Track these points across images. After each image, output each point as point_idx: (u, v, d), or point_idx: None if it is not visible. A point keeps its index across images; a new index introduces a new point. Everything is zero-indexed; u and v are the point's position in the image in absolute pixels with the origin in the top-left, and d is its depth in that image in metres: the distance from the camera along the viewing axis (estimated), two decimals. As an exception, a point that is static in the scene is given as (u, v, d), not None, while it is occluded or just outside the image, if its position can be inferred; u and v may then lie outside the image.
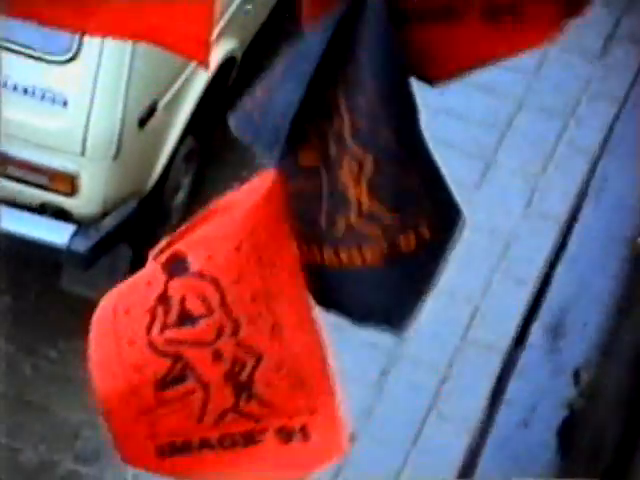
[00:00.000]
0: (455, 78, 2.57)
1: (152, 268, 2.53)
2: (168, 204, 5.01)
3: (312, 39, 2.32)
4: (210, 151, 5.70)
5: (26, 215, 4.61)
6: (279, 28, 5.83)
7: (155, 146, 4.81)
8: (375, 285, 2.53)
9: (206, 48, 2.66)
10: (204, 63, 2.71)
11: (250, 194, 2.49)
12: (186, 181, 5.21)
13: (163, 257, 2.55)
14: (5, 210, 4.60)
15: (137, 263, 4.41)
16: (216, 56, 4.78)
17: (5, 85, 4.44)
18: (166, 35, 2.71)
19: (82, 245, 4.60)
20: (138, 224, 4.78)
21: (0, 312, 5.42)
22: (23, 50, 4.42)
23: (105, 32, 2.89)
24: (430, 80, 2.45)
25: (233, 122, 2.40)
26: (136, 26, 2.71)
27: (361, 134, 2.23)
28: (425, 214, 2.31)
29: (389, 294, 2.56)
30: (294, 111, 2.27)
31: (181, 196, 5.18)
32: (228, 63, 5.19)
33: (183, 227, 2.58)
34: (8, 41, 4.33)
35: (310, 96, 2.23)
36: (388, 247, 2.33)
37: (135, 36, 2.92)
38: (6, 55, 4.39)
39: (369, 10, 2.28)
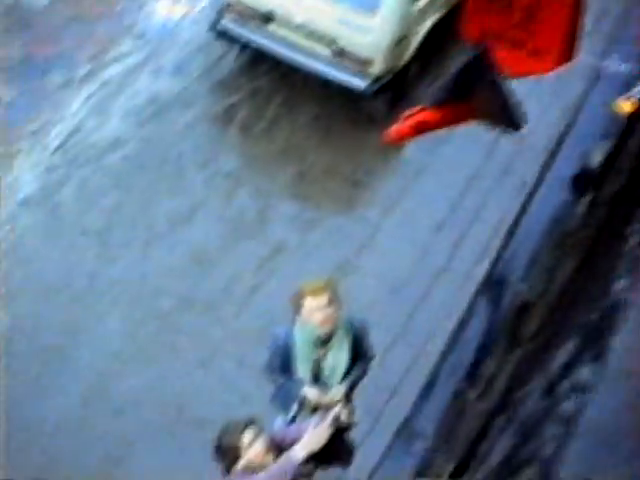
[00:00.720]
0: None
1: None
2: (408, 73, 10.30)
3: None
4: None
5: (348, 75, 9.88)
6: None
7: (406, 48, 10.28)
8: None
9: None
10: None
11: None
12: (416, 66, 10.46)
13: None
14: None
15: (394, 101, 9.89)
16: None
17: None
18: None
19: (371, 88, 9.62)
20: (394, 82, 10.42)
21: (312, 120, 10.14)
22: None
23: None
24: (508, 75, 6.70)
25: None
26: None
27: None
28: None
29: None
30: None
31: (413, 71, 10.56)
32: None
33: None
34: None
35: None
36: None
37: None
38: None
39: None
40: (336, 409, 5.43)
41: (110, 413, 7.56)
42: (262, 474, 5.19)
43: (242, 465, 5.26)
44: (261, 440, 5.28)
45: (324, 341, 6.13)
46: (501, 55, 5.49)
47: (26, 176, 9.07)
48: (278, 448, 5.37)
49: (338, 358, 6.19)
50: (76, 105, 9.73)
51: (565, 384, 2.97)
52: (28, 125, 9.45)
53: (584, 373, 2.68)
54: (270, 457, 5.29)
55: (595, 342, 3.07)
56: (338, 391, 6.25)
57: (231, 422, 5.45)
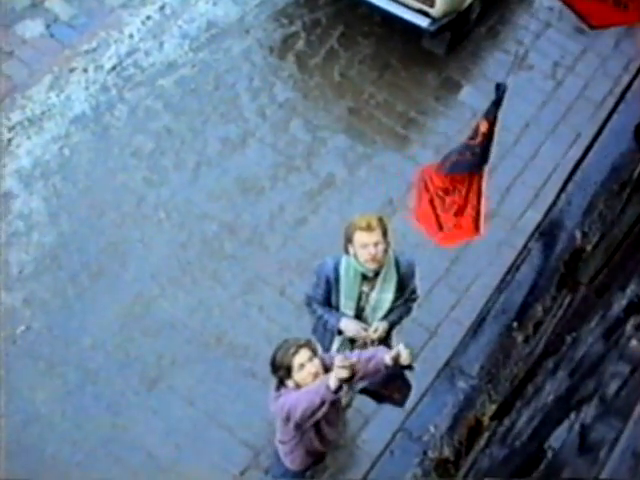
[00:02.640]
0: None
1: None
2: (469, 17, 10.42)
3: None
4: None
5: (410, 12, 9.81)
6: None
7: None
8: None
9: None
10: None
11: None
12: (477, 8, 10.50)
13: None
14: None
15: (453, 42, 9.81)
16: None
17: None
18: None
19: (433, 27, 9.55)
20: (454, 24, 10.20)
21: (369, 56, 9.96)
22: None
23: None
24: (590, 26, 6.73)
25: None
26: None
27: None
28: None
29: None
30: None
31: (474, 16, 10.54)
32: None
33: None
34: None
35: None
36: None
37: None
38: None
39: None
40: (399, 347, 5.41)
41: (148, 335, 7.60)
42: (303, 389, 5.35)
43: (292, 383, 5.43)
44: (313, 363, 5.39)
45: (370, 277, 6.08)
46: (586, 6, 5.62)
47: (79, 95, 9.03)
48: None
49: (382, 295, 6.15)
50: (133, 27, 9.67)
51: (629, 325, 2.91)
52: (84, 44, 9.40)
53: None
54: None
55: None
56: (378, 327, 6.23)
57: (288, 340, 5.57)
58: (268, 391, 7.13)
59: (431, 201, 6.28)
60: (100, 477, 6.90)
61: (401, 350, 5.38)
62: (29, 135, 8.60)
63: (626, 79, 9.87)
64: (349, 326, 6.21)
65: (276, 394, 5.54)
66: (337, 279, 6.18)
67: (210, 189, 8.52)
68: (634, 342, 2.68)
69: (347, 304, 6.23)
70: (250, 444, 7.15)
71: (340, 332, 6.28)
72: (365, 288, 6.15)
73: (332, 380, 5.18)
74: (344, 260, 6.14)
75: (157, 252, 8.05)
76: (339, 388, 5.14)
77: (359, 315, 6.28)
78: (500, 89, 6.12)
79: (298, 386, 5.44)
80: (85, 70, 9.20)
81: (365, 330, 6.22)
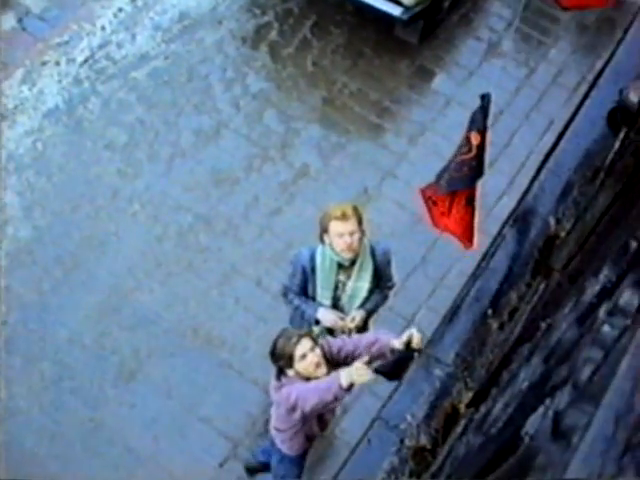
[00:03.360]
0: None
1: None
2: (441, 5, 10.34)
3: None
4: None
5: (383, 1, 9.60)
6: None
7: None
8: None
9: None
10: None
11: None
12: None
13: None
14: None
15: (426, 31, 9.78)
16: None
17: None
18: None
19: (405, 15, 9.46)
20: (427, 12, 10.22)
21: (342, 45, 9.86)
22: None
23: None
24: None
25: None
26: None
27: None
28: None
29: None
30: None
31: (446, 4, 10.53)
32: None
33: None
34: None
35: None
36: None
37: None
38: None
39: None
40: (411, 331, 5.39)
41: (125, 328, 7.59)
42: (312, 382, 5.31)
43: (294, 372, 5.40)
44: (315, 353, 5.38)
45: (346, 266, 6.09)
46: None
47: (52, 88, 8.99)
48: (331, 362, 5.48)
49: (359, 284, 6.18)
50: (105, 19, 9.63)
51: (602, 310, 2.95)
52: (56, 37, 9.36)
53: (624, 298, 2.65)
54: (322, 370, 5.40)
55: (635, 268, 3.03)
56: (355, 317, 6.25)
57: (289, 330, 5.62)
58: (245, 382, 7.29)
59: (443, 213, 6.29)
60: (79, 471, 6.88)
61: (414, 334, 5.37)
62: (1, 129, 8.55)
63: (599, 65, 9.89)
64: (326, 316, 6.23)
65: (277, 383, 5.51)
66: (313, 269, 6.19)
67: (184, 181, 8.50)
68: (606, 327, 2.72)
69: (324, 294, 6.25)
70: (229, 436, 7.17)
71: (317, 322, 6.28)
72: (341, 277, 6.19)
73: (344, 379, 5.14)
74: (320, 250, 6.16)
75: (132, 245, 8.04)
76: (351, 386, 5.14)
77: (336, 304, 6.30)
78: (485, 99, 6.11)
79: (299, 375, 5.42)
80: (57, 63, 9.16)
81: (342, 319, 6.24)
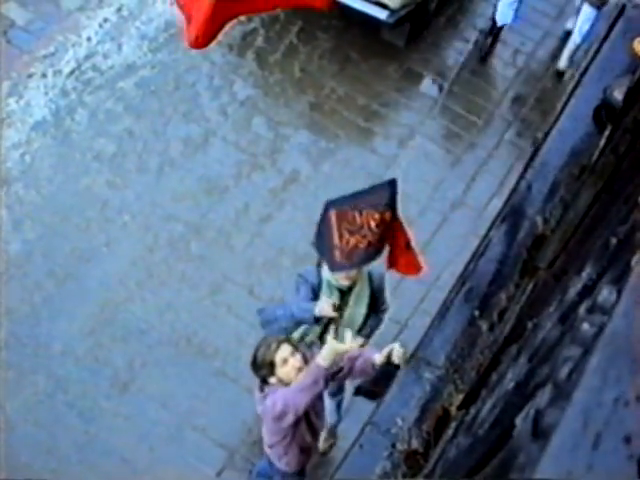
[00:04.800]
0: None
1: None
2: (428, 7, 10.48)
3: None
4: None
5: (369, 5, 9.90)
6: None
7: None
8: None
9: None
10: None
11: None
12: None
13: None
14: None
15: (413, 34, 9.79)
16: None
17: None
18: None
19: (391, 18, 9.62)
20: (414, 15, 10.30)
21: (329, 50, 9.89)
22: None
23: None
24: None
25: None
26: None
27: None
28: None
29: None
30: None
31: (432, 6, 10.60)
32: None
33: None
34: None
35: None
36: None
37: None
38: None
39: None
40: (393, 345, 5.41)
41: (118, 339, 7.60)
42: (295, 384, 5.28)
43: (276, 380, 5.38)
44: (296, 357, 5.36)
45: (345, 291, 6.13)
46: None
47: (39, 100, 8.98)
48: None
49: (356, 310, 6.22)
50: (91, 30, 9.63)
51: (582, 307, 2.94)
52: (42, 49, 9.37)
53: (603, 295, 2.64)
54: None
55: (615, 265, 3.02)
56: (353, 343, 6.19)
57: (268, 338, 5.57)
58: (239, 390, 7.28)
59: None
60: (74, 484, 6.88)
61: (395, 348, 5.39)
62: (-11, 143, 8.55)
63: (584, 63, 9.87)
64: (324, 305, 6.03)
65: (261, 395, 5.48)
66: (319, 284, 6.18)
67: (174, 190, 8.50)
68: (585, 325, 2.72)
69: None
70: (224, 444, 7.17)
71: (317, 321, 6.18)
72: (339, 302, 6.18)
73: (322, 358, 5.12)
74: (324, 269, 6.16)
75: (123, 255, 8.03)
76: (330, 365, 5.13)
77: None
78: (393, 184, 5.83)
79: (281, 382, 5.38)
80: (44, 75, 9.16)
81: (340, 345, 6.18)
